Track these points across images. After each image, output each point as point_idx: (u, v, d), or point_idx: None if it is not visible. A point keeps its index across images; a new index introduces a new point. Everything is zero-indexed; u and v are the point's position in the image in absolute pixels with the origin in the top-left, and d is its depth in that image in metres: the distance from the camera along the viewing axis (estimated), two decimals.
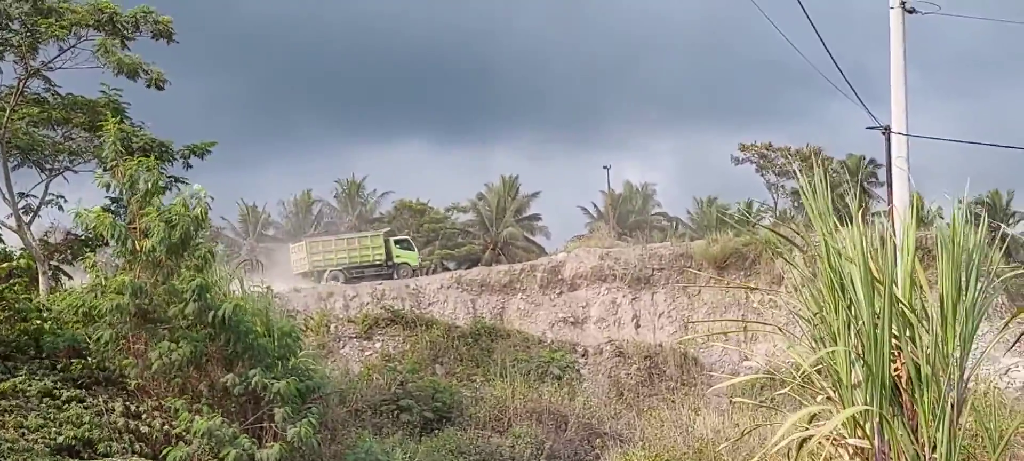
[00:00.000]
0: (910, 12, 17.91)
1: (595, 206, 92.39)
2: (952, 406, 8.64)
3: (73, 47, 20.33)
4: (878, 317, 8.79)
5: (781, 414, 26.32)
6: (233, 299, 18.11)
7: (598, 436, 26.43)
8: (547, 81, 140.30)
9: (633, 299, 49.99)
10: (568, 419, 27.87)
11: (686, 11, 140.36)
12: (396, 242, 61.18)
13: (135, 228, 18.10)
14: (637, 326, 48.71)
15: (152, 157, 18.56)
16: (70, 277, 24.40)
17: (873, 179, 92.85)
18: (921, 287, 9.07)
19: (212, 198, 18.92)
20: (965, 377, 8.87)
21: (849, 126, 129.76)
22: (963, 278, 8.65)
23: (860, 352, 8.83)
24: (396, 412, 27.65)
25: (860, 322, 8.78)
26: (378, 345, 38.88)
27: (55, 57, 20.46)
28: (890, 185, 18.79)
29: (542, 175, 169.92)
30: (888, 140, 18.69)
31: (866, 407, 8.04)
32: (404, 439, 25.65)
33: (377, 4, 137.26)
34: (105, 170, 18.29)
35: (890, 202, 18.25)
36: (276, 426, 18.61)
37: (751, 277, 50.16)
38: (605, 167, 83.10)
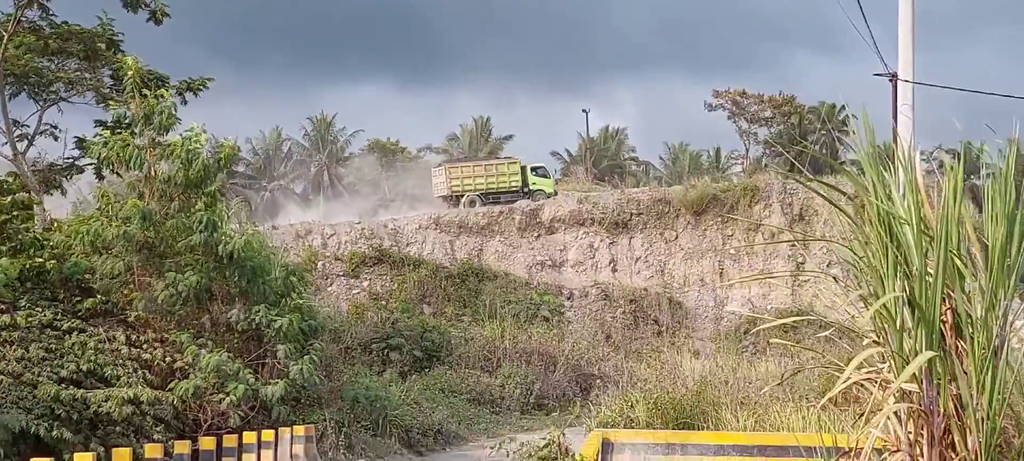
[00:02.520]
0: None
1: (569, 151, 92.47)
2: (995, 351, 8.82)
3: None
4: (929, 262, 8.90)
5: (770, 357, 26.71)
6: (245, 233, 18.12)
7: (588, 377, 26.70)
8: (509, 26, 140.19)
9: (611, 243, 50.25)
10: (557, 360, 28.13)
11: None
12: (532, 169, 61.32)
13: (149, 160, 18.05)
14: (614, 270, 49.03)
15: (165, 90, 18.42)
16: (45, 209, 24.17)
17: (844, 128, 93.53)
18: (969, 235, 9.23)
19: (209, 134, 18.91)
20: (1011, 321, 9.06)
21: (814, 75, 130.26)
22: (1017, 228, 8.78)
23: (910, 297, 8.96)
24: (386, 350, 27.79)
25: (912, 267, 8.90)
26: (365, 284, 38.90)
27: None
28: (895, 132, 18.97)
29: (507, 120, 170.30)
30: (895, 87, 18.86)
31: (933, 353, 8.21)
32: (395, 377, 25.84)
33: None
34: (117, 101, 18.15)
35: (895, 148, 18.41)
36: (278, 362, 18.72)
37: (728, 223, 50.57)
38: (584, 110, 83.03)
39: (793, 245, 47.60)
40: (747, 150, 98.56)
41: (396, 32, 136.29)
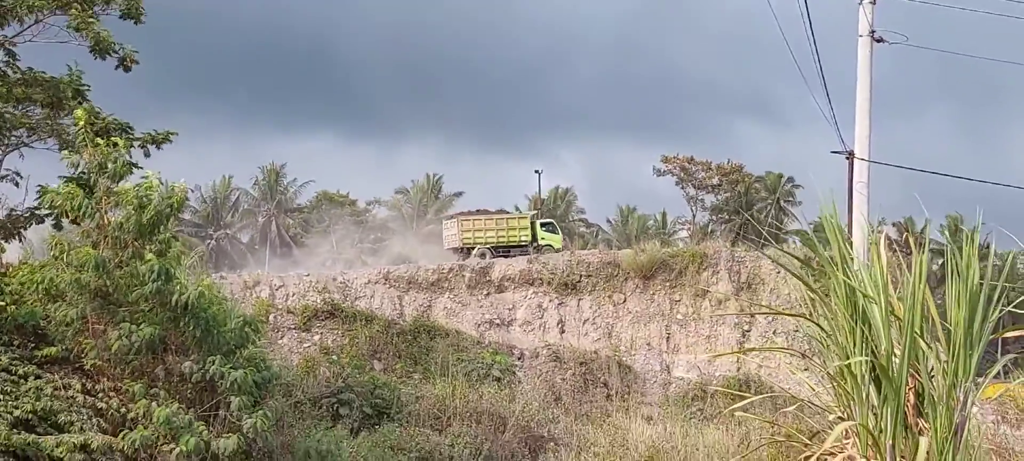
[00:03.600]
0: (879, 41, 18.52)
1: (518, 209, 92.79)
2: (956, 431, 9.04)
3: (41, 21, 19.97)
4: (897, 343, 9.15)
5: (719, 425, 26.88)
6: (200, 284, 18.01)
7: (538, 440, 26.71)
8: (448, 86, 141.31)
9: (559, 304, 50.38)
10: (507, 421, 28.09)
11: (597, 25, 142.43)
12: (541, 225, 63.23)
13: (101, 208, 17.92)
14: (562, 331, 49.13)
15: (122, 139, 18.35)
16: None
17: (789, 199, 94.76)
18: (931, 314, 9.49)
19: (165, 182, 18.81)
20: (970, 402, 9.30)
21: (755, 144, 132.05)
22: (978, 309, 9.03)
23: (878, 374, 9.22)
24: (336, 406, 27.62)
25: (881, 345, 9.15)
26: (317, 338, 38.70)
27: (24, 29, 20.07)
28: (850, 209, 19.37)
29: (452, 176, 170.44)
30: (851, 164, 19.30)
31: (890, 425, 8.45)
32: (345, 433, 25.66)
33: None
34: (72, 151, 18.05)
35: (850, 224, 18.85)
36: (231, 415, 18.52)
37: (676, 288, 50.98)
38: (536, 171, 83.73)
39: (739, 313, 48.12)
40: (694, 216, 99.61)
41: (339, 86, 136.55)
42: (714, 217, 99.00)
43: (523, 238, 61.10)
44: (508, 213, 68.57)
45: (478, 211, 67.28)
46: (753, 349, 45.48)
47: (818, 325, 9.89)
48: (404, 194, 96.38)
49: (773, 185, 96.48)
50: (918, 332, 8.96)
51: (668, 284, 50.96)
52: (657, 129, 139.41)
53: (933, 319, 9.58)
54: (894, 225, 70.94)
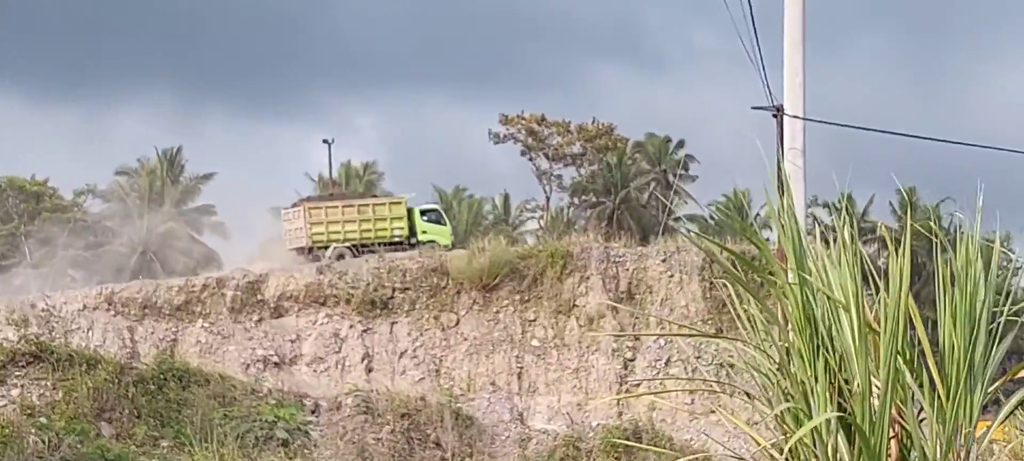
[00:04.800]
0: None
1: (299, 195, 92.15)
2: None
3: None
4: (874, 376, 9.34)
5: None
6: None
7: None
8: (196, 16, 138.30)
9: (364, 331, 50.35)
10: None
11: None
12: (422, 213, 64.48)
13: None
14: (369, 369, 49.06)
15: None
16: None
17: (682, 172, 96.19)
18: (919, 337, 9.80)
19: None
20: (973, 458, 9.58)
21: (627, 97, 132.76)
22: (981, 330, 9.29)
23: (849, 420, 9.42)
24: None
25: (855, 378, 9.32)
26: (15, 393, 37.75)
27: None
28: (781, 185, 19.84)
29: (196, 150, 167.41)
30: (780, 124, 19.77)
31: None
32: None
33: None
34: None
35: (780, 206, 19.23)
36: None
37: (530, 303, 51.39)
38: (326, 141, 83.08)
39: (621, 334, 48.81)
40: (548, 198, 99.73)
41: (17, 22, 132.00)
42: (577, 200, 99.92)
43: (396, 232, 62.29)
44: (375, 198, 69.26)
45: (333, 195, 66.95)
46: (671, 388, 45.83)
47: (764, 352, 10.22)
48: (128, 176, 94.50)
49: (657, 153, 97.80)
50: (904, 359, 9.24)
51: (518, 298, 51.40)
52: (491, 79, 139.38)
53: (921, 340, 9.97)
54: (825, 206, 72.93)
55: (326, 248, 60.43)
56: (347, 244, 60.98)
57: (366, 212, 63.49)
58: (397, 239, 61.74)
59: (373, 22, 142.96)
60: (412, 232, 62.85)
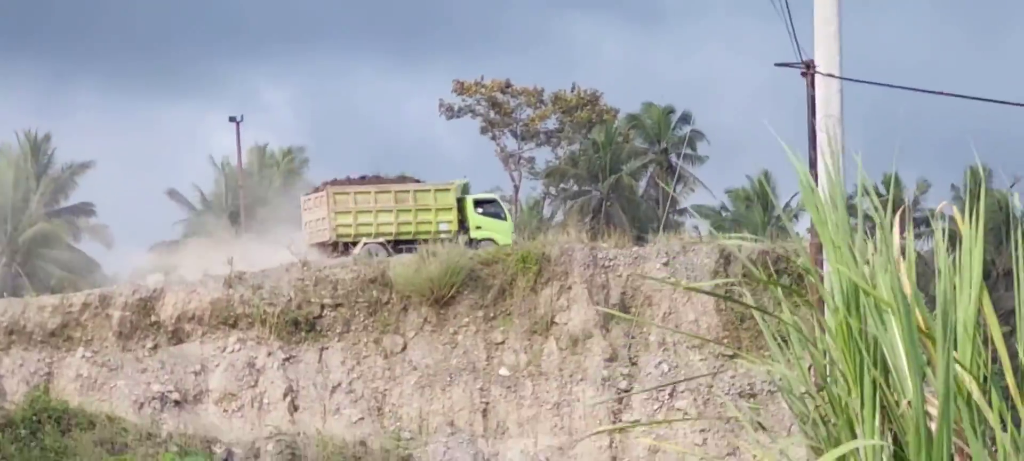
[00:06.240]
0: None
1: (200, 191, 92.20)
2: None
3: None
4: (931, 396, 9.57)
5: None
6: None
7: None
8: None
9: (287, 359, 50.49)
10: None
11: None
12: (476, 204, 65.76)
13: None
14: (294, 408, 49.19)
15: None
16: None
17: (688, 152, 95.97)
18: (996, 345, 9.93)
19: None
20: None
21: (615, 58, 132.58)
22: None
23: (897, 448, 9.63)
24: None
25: (903, 404, 9.51)
26: None
27: None
28: (814, 159, 20.06)
29: (68, 133, 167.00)
30: (811, 83, 20.03)
31: None
32: None
33: None
34: None
35: (812, 179, 19.31)
36: None
37: (496, 321, 51.53)
38: (233, 119, 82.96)
39: (612, 358, 49.08)
40: (517, 187, 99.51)
41: None
42: (554, 189, 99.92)
43: (444, 226, 62.97)
44: (418, 184, 69.09)
45: (363, 178, 66.96)
46: (677, 424, 45.98)
47: (802, 371, 10.53)
48: None
49: (656, 127, 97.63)
50: (975, 376, 9.38)
51: (480, 314, 51.60)
52: (437, 38, 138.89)
53: (1000, 351, 10.12)
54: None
55: (355, 244, 61.37)
56: (380, 239, 61.95)
57: (405, 200, 64.29)
58: (445, 234, 61.76)
59: None
60: (463, 227, 63.70)
